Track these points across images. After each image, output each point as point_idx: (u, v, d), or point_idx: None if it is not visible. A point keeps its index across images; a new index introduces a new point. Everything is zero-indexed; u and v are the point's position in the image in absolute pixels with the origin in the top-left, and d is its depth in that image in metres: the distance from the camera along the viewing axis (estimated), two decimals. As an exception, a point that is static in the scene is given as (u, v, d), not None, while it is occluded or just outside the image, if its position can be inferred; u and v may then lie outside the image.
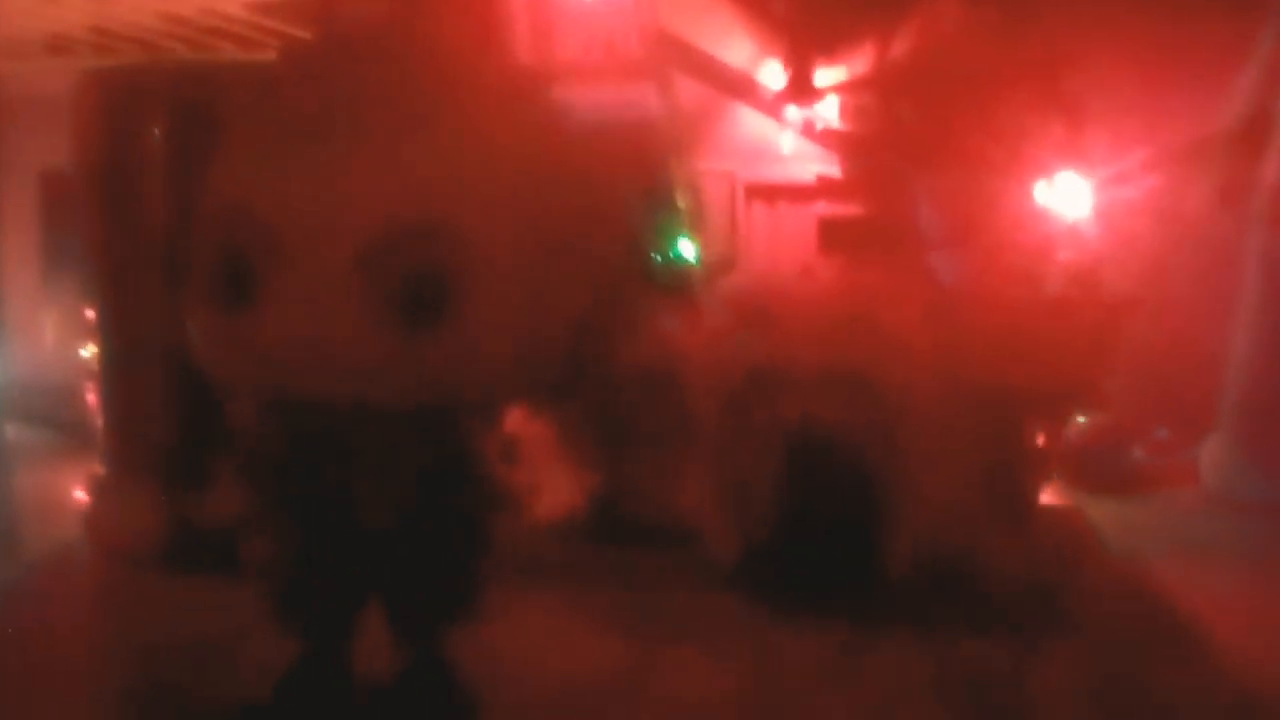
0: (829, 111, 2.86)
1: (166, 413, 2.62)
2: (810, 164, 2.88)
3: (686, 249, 2.63)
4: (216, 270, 1.77)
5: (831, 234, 2.84)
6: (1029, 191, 2.70)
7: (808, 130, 2.84)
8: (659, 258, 2.54)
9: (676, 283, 2.56)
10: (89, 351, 2.95)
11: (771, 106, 2.88)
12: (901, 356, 2.43)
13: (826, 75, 2.86)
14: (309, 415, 1.80)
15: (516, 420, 2.00)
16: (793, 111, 2.85)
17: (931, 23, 2.74)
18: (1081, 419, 2.80)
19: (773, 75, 2.92)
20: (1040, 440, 2.58)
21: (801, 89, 2.82)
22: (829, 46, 2.81)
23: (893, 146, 2.70)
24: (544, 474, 2.25)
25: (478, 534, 1.88)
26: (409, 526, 1.84)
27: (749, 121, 3.04)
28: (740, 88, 2.89)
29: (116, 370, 2.75)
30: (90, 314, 2.85)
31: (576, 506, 2.72)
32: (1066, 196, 2.70)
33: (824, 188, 2.83)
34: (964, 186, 2.69)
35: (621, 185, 2.09)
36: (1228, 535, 3.08)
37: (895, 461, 2.47)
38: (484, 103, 1.85)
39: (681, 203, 2.55)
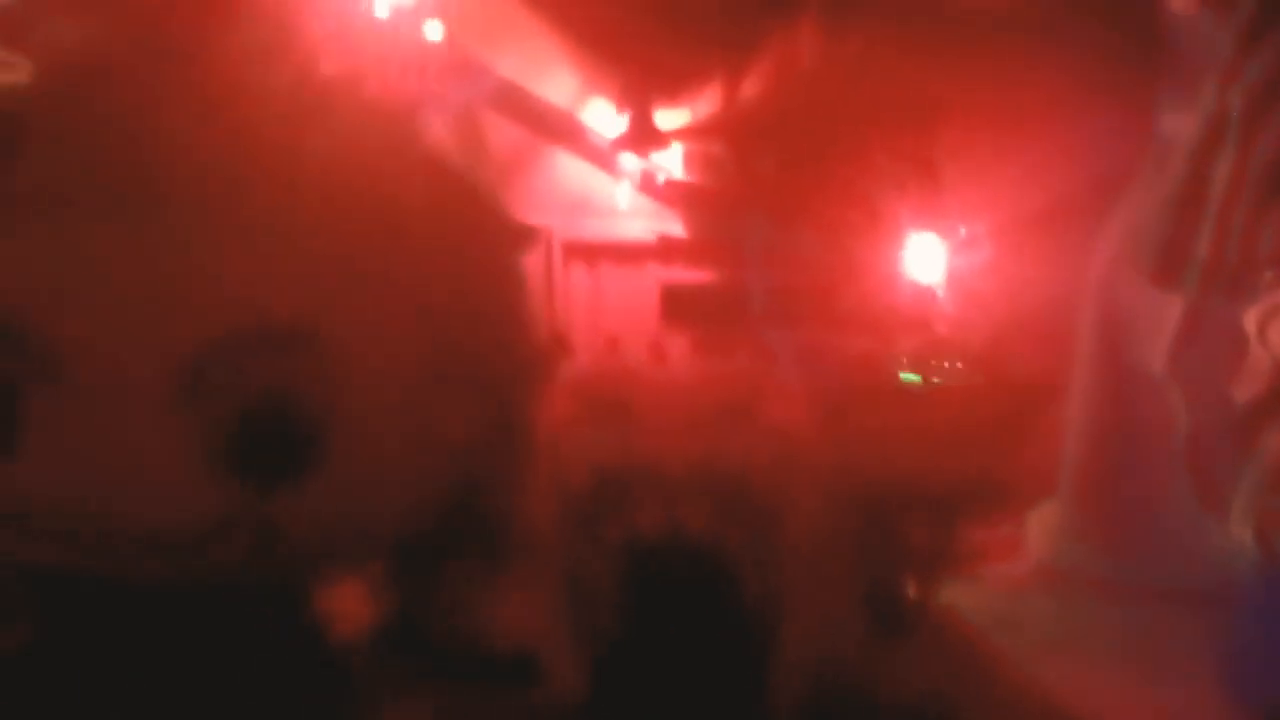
0: (670, 160, 2.49)
1: None
2: (644, 220, 2.50)
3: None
4: None
5: (674, 304, 2.45)
6: (894, 256, 2.41)
7: (646, 182, 2.45)
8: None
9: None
10: None
11: (598, 152, 2.48)
12: (781, 454, 2.11)
13: (668, 118, 2.48)
14: (83, 601, 1.25)
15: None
16: (627, 159, 2.46)
17: (787, 59, 2.42)
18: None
19: (601, 116, 2.52)
20: (932, 541, 2.30)
21: (640, 133, 2.42)
22: (671, 85, 2.43)
23: (747, 201, 2.37)
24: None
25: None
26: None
27: (568, 169, 2.63)
28: (561, 129, 2.47)
29: None
30: None
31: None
32: (924, 262, 2.46)
33: (664, 249, 2.45)
34: (831, 250, 2.38)
35: (508, 254, 1.60)
36: (1076, 620, 2.91)
37: (774, 577, 2.15)
38: (331, 146, 1.33)
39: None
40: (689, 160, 2.45)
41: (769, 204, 2.34)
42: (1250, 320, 2.13)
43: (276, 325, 1.14)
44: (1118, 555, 3.03)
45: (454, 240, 1.31)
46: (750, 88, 2.41)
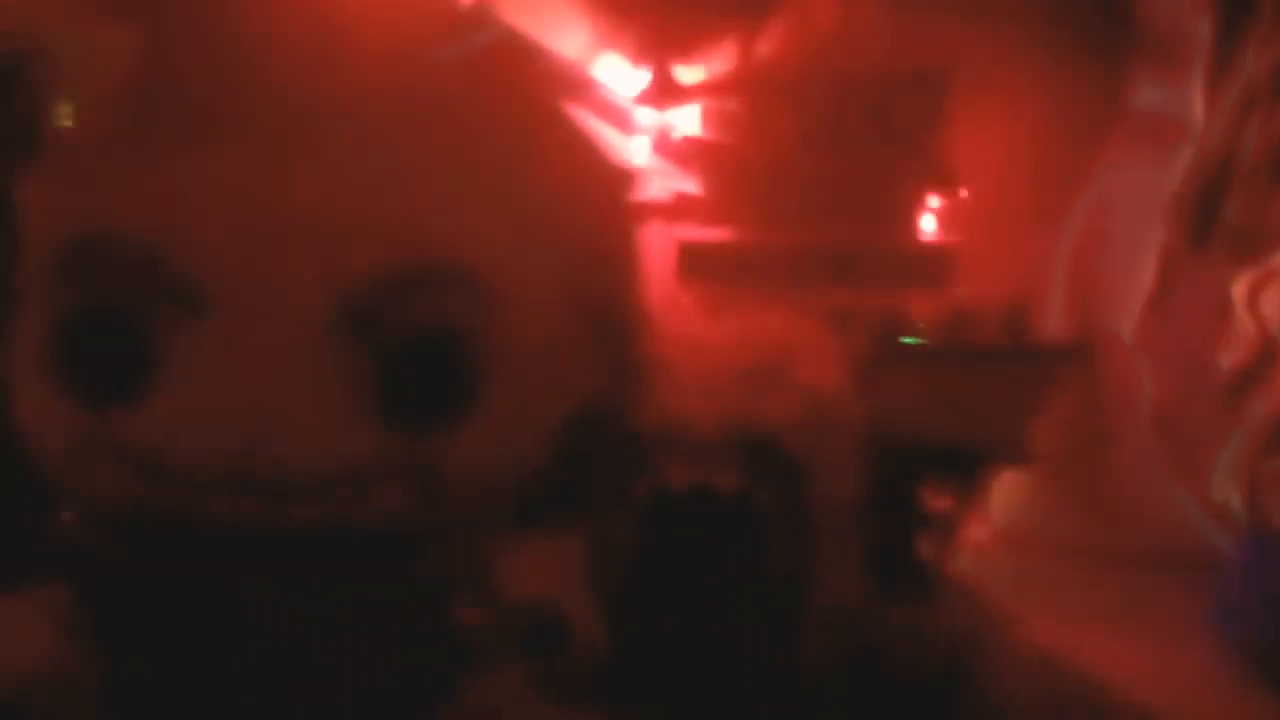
0: (687, 118, 2.46)
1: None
2: (661, 178, 2.46)
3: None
4: (83, 334, 1.14)
5: (692, 262, 2.42)
6: (916, 219, 2.40)
7: (662, 139, 2.41)
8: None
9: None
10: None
11: (614, 108, 2.44)
12: (811, 415, 2.10)
13: (686, 74, 2.45)
14: (212, 547, 1.19)
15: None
16: (644, 115, 2.42)
17: (806, 15, 2.40)
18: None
19: (616, 72, 2.48)
20: (951, 501, 2.30)
21: (660, 89, 2.38)
22: (688, 42, 2.39)
23: (765, 160, 2.35)
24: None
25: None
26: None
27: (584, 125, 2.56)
28: (577, 85, 2.42)
29: None
30: None
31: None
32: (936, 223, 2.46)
33: (681, 207, 2.41)
34: (849, 210, 2.37)
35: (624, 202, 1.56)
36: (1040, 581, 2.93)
37: (801, 535, 2.13)
38: (487, 94, 1.22)
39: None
40: (706, 118, 2.42)
41: (787, 163, 2.33)
42: (1239, 289, 2.14)
43: (436, 263, 1.11)
44: (1081, 519, 3.07)
45: (586, 189, 1.29)
46: (766, 46, 2.39)
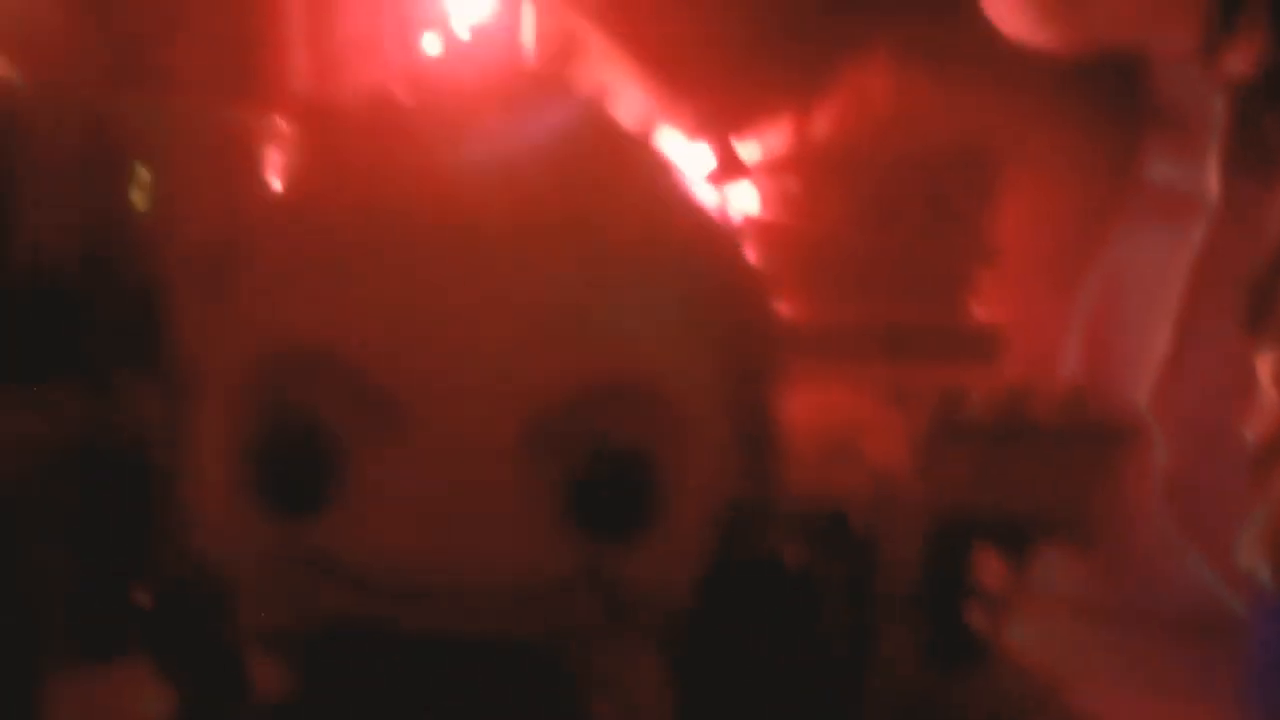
0: (743, 195, 2.49)
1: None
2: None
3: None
4: (276, 445, 1.16)
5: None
6: (965, 297, 2.46)
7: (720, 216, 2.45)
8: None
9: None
10: None
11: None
12: (879, 492, 2.13)
13: (746, 151, 2.48)
14: (400, 656, 1.20)
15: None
16: (705, 190, 2.45)
17: (859, 94, 2.44)
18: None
19: (674, 146, 2.51)
20: (1004, 574, 2.33)
21: (722, 164, 2.42)
22: (746, 118, 2.43)
23: (821, 237, 2.39)
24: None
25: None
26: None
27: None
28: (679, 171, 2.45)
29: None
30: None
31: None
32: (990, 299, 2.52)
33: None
34: (904, 290, 2.42)
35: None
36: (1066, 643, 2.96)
37: (865, 611, 2.16)
38: (640, 205, 1.31)
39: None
40: (762, 195, 2.46)
41: (841, 240, 2.37)
42: (1265, 364, 2.19)
43: (623, 383, 1.14)
44: (1098, 583, 3.10)
45: (728, 275, 1.32)
46: (822, 124, 2.44)
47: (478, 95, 1.29)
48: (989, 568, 2.36)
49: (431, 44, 2.30)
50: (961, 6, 2.35)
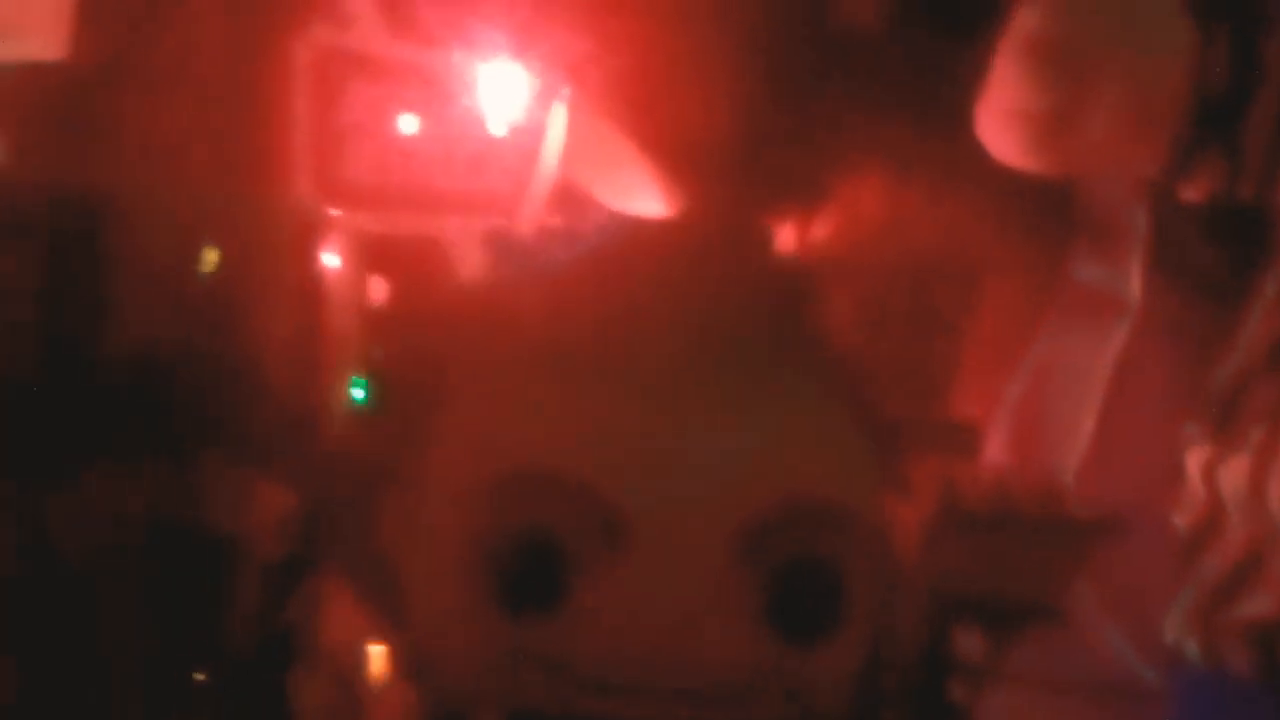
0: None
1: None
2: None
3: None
4: (512, 556, 1.28)
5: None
6: (948, 395, 2.64)
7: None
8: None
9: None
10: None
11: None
12: (878, 564, 2.28)
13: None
14: None
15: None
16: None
17: (856, 202, 2.62)
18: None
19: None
20: (984, 650, 2.50)
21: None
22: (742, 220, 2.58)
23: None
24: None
25: None
26: None
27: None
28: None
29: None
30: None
31: None
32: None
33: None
34: (896, 390, 2.58)
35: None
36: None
37: (872, 690, 2.31)
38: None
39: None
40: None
41: (843, 342, 2.53)
42: (1195, 459, 2.34)
43: (819, 500, 1.29)
44: (1025, 650, 3.28)
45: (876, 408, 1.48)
46: (820, 231, 2.60)
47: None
48: (973, 646, 2.52)
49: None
50: (953, 126, 2.54)
